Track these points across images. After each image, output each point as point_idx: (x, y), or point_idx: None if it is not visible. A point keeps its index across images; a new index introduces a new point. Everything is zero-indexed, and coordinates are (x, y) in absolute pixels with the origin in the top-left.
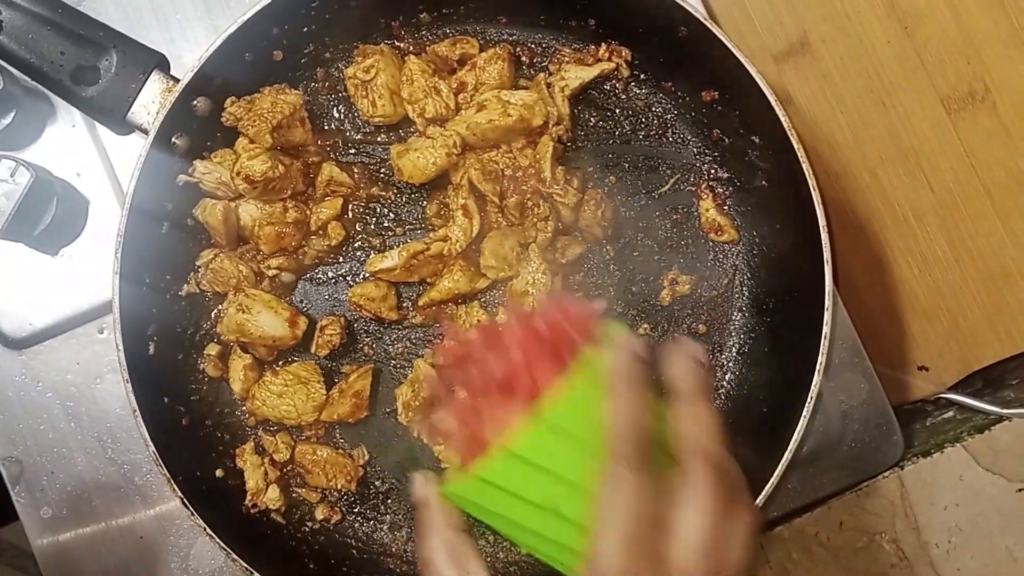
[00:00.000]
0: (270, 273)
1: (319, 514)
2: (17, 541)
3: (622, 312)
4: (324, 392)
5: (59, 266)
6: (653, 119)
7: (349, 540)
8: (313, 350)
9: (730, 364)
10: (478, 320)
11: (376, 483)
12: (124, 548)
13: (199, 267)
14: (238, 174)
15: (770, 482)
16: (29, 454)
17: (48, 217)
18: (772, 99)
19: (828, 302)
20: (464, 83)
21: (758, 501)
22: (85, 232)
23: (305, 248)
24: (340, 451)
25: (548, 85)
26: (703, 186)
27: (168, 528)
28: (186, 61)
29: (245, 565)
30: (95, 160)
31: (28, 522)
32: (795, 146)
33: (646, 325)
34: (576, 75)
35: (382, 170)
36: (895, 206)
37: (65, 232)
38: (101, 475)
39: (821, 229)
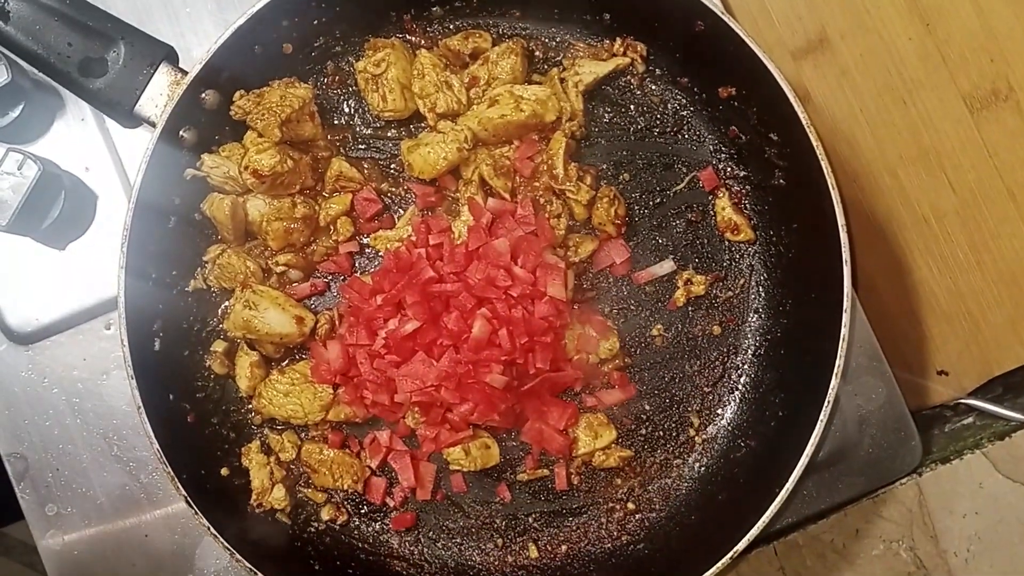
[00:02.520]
0: (278, 270)
1: (325, 515)
2: (25, 538)
3: (635, 312)
4: (331, 391)
5: (66, 261)
6: (668, 115)
7: (356, 542)
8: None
9: (745, 366)
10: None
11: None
12: (129, 547)
13: (206, 263)
14: (246, 168)
15: (785, 487)
16: (34, 450)
17: (56, 211)
18: (791, 96)
19: (846, 304)
20: (476, 77)
21: (773, 507)
22: (93, 227)
23: (314, 245)
24: (347, 451)
25: (562, 80)
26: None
27: (174, 527)
28: (195, 54)
29: (249, 566)
30: (104, 155)
31: (33, 519)
32: (814, 144)
33: (660, 326)
34: (590, 70)
35: (392, 165)
36: (915, 206)
37: (73, 227)
38: (106, 472)
39: (840, 229)
